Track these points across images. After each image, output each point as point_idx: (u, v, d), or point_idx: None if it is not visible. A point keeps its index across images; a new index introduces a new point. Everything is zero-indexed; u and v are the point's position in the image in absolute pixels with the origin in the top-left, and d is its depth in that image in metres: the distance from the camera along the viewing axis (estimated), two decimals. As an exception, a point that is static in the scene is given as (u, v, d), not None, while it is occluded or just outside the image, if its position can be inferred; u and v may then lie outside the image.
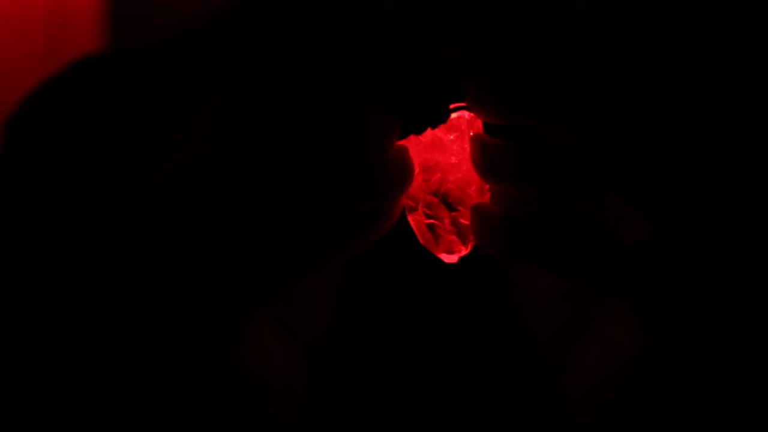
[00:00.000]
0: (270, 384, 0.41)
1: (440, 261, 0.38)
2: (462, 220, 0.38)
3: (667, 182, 0.35)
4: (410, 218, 0.38)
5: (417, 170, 0.37)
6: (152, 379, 0.42)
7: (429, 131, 0.37)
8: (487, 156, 0.36)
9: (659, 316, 0.37)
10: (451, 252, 0.38)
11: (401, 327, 0.48)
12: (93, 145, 0.51)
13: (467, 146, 0.37)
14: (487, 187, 0.37)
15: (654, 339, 0.37)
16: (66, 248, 0.47)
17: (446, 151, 0.37)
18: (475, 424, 0.48)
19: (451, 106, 0.37)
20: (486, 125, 0.38)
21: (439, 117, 0.37)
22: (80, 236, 0.47)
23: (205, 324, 0.38)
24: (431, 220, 0.38)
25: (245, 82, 0.36)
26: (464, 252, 0.38)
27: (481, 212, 0.37)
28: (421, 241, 0.38)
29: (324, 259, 0.37)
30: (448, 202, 0.38)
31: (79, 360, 0.45)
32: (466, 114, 0.37)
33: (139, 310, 0.40)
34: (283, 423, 0.42)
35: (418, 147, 0.37)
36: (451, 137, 0.37)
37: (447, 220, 0.38)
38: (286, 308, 0.41)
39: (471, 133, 0.37)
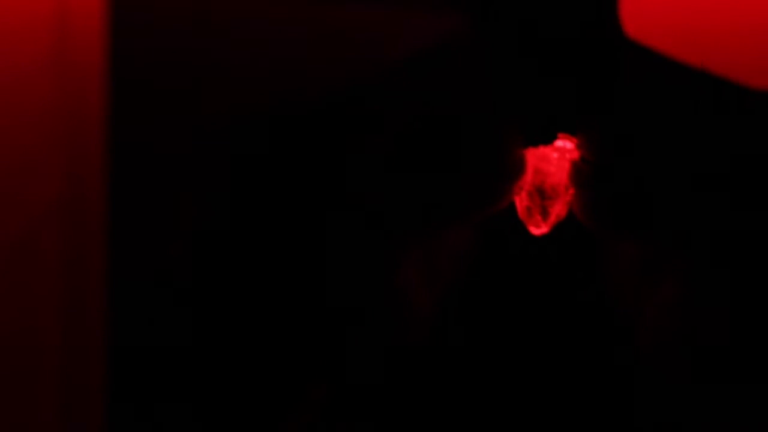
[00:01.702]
0: (407, 305, 0.61)
1: (529, 231, 0.59)
2: (549, 209, 0.59)
3: None
4: (516, 199, 0.60)
5: (528, 170, 0.59)
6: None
7: (541, 147, 0.59)
8: (581, 175, 0.58)
9: (705, 275, 0.57)
10: (537, 226, 0.59)
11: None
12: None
13: (564, 163, 0.59)
14: (571, 191, 0.59)
15: (701, 290, 0.58)
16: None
17: (549, 162, 0.59)
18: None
19: (560, 135, 0.59)
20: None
21: (550, 140, 0.59)
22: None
23: (381, 256, 0.59)
24: (529, 203, 0.59)
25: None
26: (545, 228, 0.59)
27: (586, 195, 0.58)
28: (520, 215, 0.59)
29: (462, 219, 0.59)
30: (543, 194, 0.59)
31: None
32: (568, 143, 0.59)
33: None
34: (410, 339, 0.62)
35: (532, 155, 0.59)
36: (555, 155, 0.59)
37: (538, 206, 0.59)
38: (428, 258, 0.62)
39: (568, 156, 0.59)
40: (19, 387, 1.97)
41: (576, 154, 0.59)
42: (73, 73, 2.00)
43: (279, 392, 0.66)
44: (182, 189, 2.13)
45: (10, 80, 1.96)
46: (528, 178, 0.59)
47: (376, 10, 2.25)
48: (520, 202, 0.60)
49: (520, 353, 0.66)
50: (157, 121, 2.19)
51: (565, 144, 0.59)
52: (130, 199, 2.16)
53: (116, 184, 2.13)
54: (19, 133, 1.97)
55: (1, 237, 1.95)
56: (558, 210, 0.59)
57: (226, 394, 0.71)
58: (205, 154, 0.93)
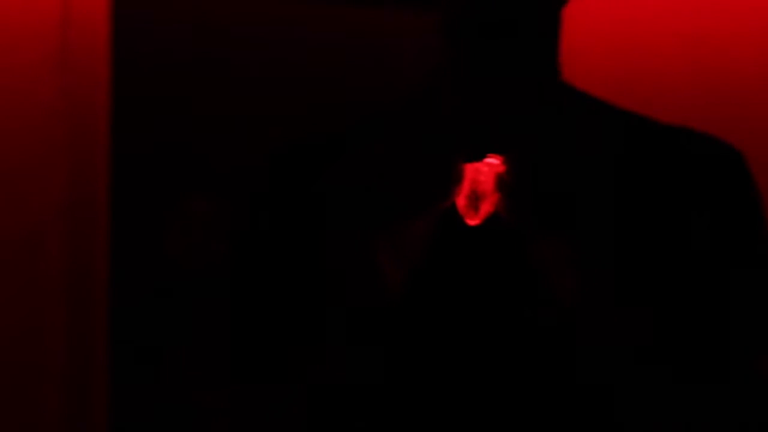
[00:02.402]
0: (380, 278, 0.83)
1: (465, 221, 0.82)
2: (479, 207, 0.81)
3: None
4: (457, 199, 0.82)
5: (466, 178, 0.81)
6: None
7: (476, 162, 0.81)
8: (503, 185, 0.80)
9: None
10: (472, 219, 0.81)
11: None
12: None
13: (492, 176, 0.81)
14: (496, 195, 0.81)
15: (585, 285, 0.81)
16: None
17: (481, 173, 0.81)
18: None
19: (489, 155, 0.81)
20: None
21: (481, 158, 0.81)
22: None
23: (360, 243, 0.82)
24: (466, 203, 0.82)
25: None
26: (477, 221, 0.81)
27: (504, 199, 0.80)
28: (460, 211, 0.82)
29: (418, 213, 0.81)
30: (476, 196, 0.82)
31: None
32: (495, 160, 0.81)
33: None
34: (386, 298, 0.84)
35: (470, 167, 0.81)
36: (485, 168, 0.81)
37: (472, 205, 0.82)
38: (396, 242, 0.84)
39: (495, 170, 0.81)
40: (24, 384, 2.04)
41: (501, 169, 0.81)
42: (77, 78, 2.09)
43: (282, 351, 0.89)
44: (184, 190, 2.27)
45: (16, 84, 2.05)
46: (465, 184, 0.82)
47: (374, 12, 2.35)
48: (460, 201, 0.82)
49: (466, 314, 0.89)
50: (159, 124, 2.31)
51: (493, 161, 0.82)
52: (133, 200, 2.24)
53: (119, 185, 2.18)
54: (24, 136, 2.06)
55: (6, 237, 2.04)
56: (486, 208, 0.81)
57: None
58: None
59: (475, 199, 0.81)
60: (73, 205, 2.08)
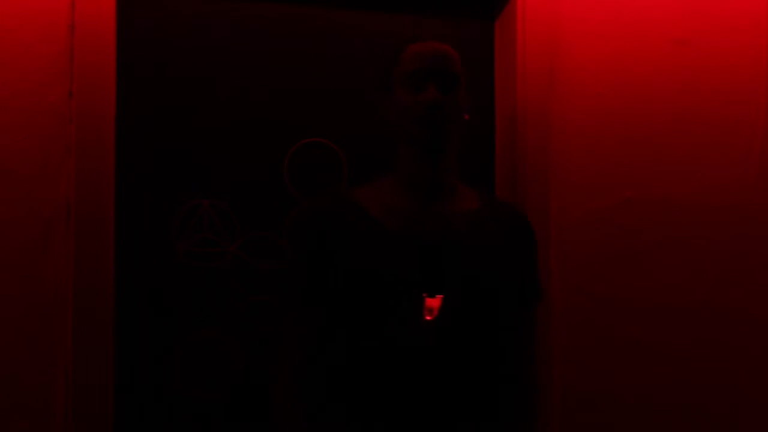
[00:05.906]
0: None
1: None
2: (432, 312, 1.12)
3: None
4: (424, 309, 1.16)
5: (425, 303, 1.23)
6: None
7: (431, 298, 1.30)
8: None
9: None
10: (428, 317, 1.27)
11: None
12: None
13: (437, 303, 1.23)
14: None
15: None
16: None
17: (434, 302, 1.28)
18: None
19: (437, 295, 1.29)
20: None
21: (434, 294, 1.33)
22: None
23: None
24: (425, 312, 1.17)
25: None
26: (430, 317, 1.32)
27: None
28: (424, 314, 1.22)
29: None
30: (431, 309, 1.18)
31: None
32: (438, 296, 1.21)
33: None
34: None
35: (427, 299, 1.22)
36: (435, 301, 1.22)
37: (427, 310, 1.16)
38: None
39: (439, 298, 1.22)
40: (31, 381, 2.11)
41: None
42: (83, 82, 2.15)
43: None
44: (189, 191, 2.33)
45: (24, 88, 2.11)
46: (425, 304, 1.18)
47: (378, 18, 2.43)
48: (424, 310, 1.23)
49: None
50: (163, 127, 2.32)
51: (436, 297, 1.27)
52: (139, 200, 2.29)
53: (125, 186, 2.26)
54: (32, 139, 2.12)
55: (14, 237, 2.12)
56: (435, 313, 1.14)
57: None
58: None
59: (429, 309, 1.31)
60: (80, 207, 2.14)
